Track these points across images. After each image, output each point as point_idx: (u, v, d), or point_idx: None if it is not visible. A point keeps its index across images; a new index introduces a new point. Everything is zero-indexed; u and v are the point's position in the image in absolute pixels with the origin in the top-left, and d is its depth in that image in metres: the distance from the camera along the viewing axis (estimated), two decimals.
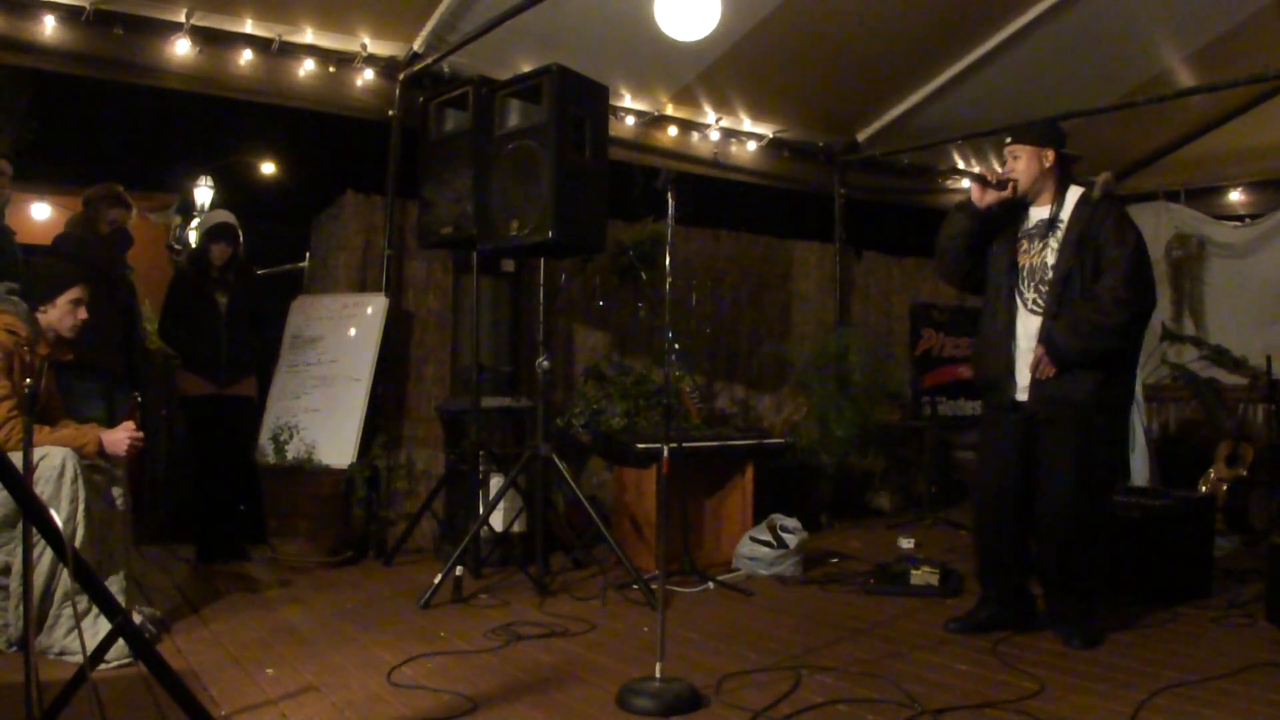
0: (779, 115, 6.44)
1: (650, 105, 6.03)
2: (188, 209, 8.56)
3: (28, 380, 2.45)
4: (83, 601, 2.93)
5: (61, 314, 3.51)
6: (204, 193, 8.56)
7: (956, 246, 3.56)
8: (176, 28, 4.67)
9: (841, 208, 7.05)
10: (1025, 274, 3.46)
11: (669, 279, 3.13)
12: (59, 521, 2.37)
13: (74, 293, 3.53)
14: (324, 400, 5.09)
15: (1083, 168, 7.34)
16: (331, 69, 5.14)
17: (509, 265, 5.21)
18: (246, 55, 4.89)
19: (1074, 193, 3.46)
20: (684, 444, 4.67)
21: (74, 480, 3.16)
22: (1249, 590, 4.11)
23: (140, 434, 3.44)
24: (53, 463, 3.14)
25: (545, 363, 4.41)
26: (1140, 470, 5.74)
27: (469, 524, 4.40)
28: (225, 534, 4.93)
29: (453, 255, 5.37)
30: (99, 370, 4.21)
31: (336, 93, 5.21)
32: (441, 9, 4.93)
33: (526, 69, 4.74)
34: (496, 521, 4.65)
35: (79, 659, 2.56)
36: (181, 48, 4.72)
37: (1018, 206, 3.51)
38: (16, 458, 2.22)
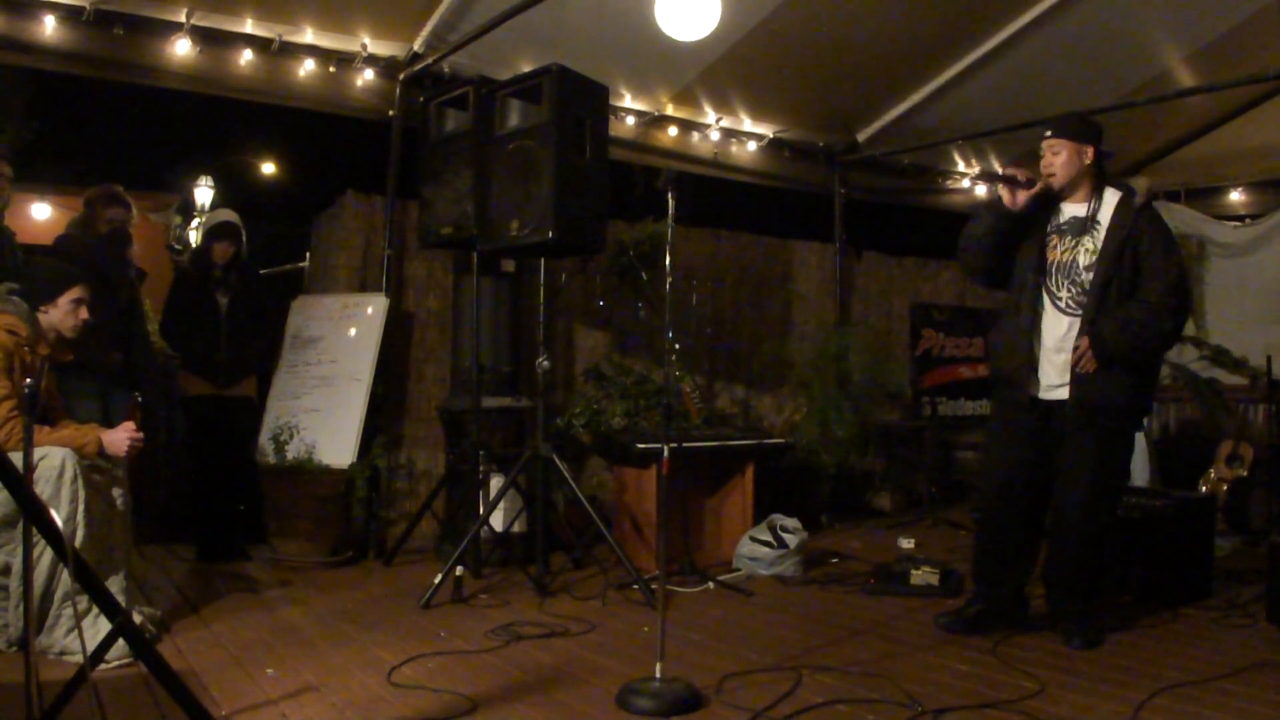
0: (779, 115, 6.44)
1: (650, 105, 6.03)
2: (188, 209, 8.57)
3: (28, 380, 2.44)
4: (83, 601, 2.93)
5: (63, 314, 3.51)
6: (204, 193, 8.57)
7: (985, 245, 3.48)
8: (176, 28, 4.66)
9: (841, 208, 7.05)
10: (1054, 270, 3.41)
11: (669, 279, 3.13)
12: (59, 521, 2.37)
13: (75, 293, 3.53)
14: (324, 400, 5.09)
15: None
16: (332, 69, 5.13)
17: (509, 265, 5.21)
18: (246, 55, 4.88)
19: (1112, 194, 3.40)
20: (684, 444, 4.67)
21: (74, 480, 3.16)
22: (1249, 590, 4.11)
23: (140, 434, 3.43)
24: (53, 463, 3.14)
25: (545, 363, 4.41)
26: (1140, 470, 5.74)
27: (469, 524, 4.40)
28: (225, 534, 4.93)
29: (453, 255, 5.37)
30: (95, 370, 4.20)
31: (337, 93, 5.20)
32: (441, 9, 4.93)
33: (527, 69, 4.74)
34: (497, 521, 4.65)
35: (79, 659, 2.56)
36: (181, 48, 4.72)
37: (1049, 203, 3.45)
38: (17, 458, 2.22)
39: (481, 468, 4.60)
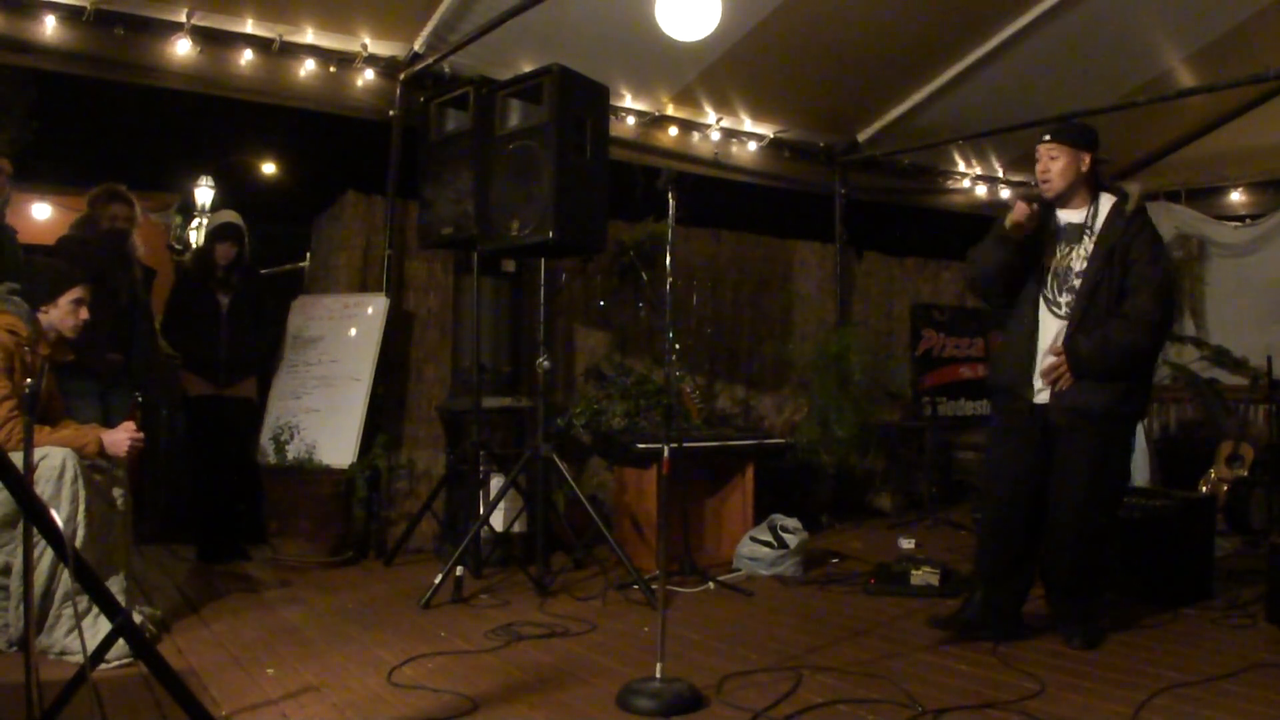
0: (779, 115, 6.44)
1: (651, 105, 6.03)
2: (188, 209, 8.57)
3: (28, 380, 2.45)
4: (83, 601, 2.93)
5: (63, 314, 3.51)
6: (204, 193, 8.57)
7: (1005, 274, 3.46)
8: (177, 28, 4.67)
9: (842, 208, 7.05)
10: (1051, 277, 3.42)
11: (669, 279, 3.13)
12: (59, 521, 2.37)
13: (75, 293, 3.53)
14: (324, 400, 5.09)
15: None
16: (332, 69, 5.13)
17: (509, 265, 5.21)
18: (247, 55, 4.89)
19: (1106, 201, 3.41)
20: (684, 444, 4.67)
21: (74, 480, 3.16)
22: (1249, 591, 4.11)
23: (141, 434, 3.44)
24: (53, 463, 3.15)
25: (545, 363, 4.41)
26: (1140, 470, 5.74)
27: (469, 524, 4.40)
28: (225, 534, 4.92)
29: (453, 255, 5.38)
30: (93, 371, 4.19)
31: (337, 93, 5.21)
32: (442, 9, 4.93)
33: (527, 69, 4.74)
34: (497, 521, 4.65)
35: (79, 659, 2.56)
36: (182, 48, 4.72)
37: (1048, 210, 3.45)
38: (17, 458, 2.22)
39: (481, 468, 4.60)
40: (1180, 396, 6.95)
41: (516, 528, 4.76)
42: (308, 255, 5.97)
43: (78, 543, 3.09)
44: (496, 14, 4.64)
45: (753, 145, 6.55)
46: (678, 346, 5.45)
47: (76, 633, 2.75)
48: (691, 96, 6.05)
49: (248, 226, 5.08)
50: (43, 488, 3.09)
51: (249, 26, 4.84)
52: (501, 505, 4.57)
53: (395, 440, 5.33)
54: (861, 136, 6.81)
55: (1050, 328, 3.41)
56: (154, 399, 5.16)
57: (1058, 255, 3.42)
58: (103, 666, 2.82)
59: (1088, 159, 3.39)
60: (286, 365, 5.26)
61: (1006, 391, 3.51)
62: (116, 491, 3.49)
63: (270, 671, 3.05)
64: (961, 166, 7.45)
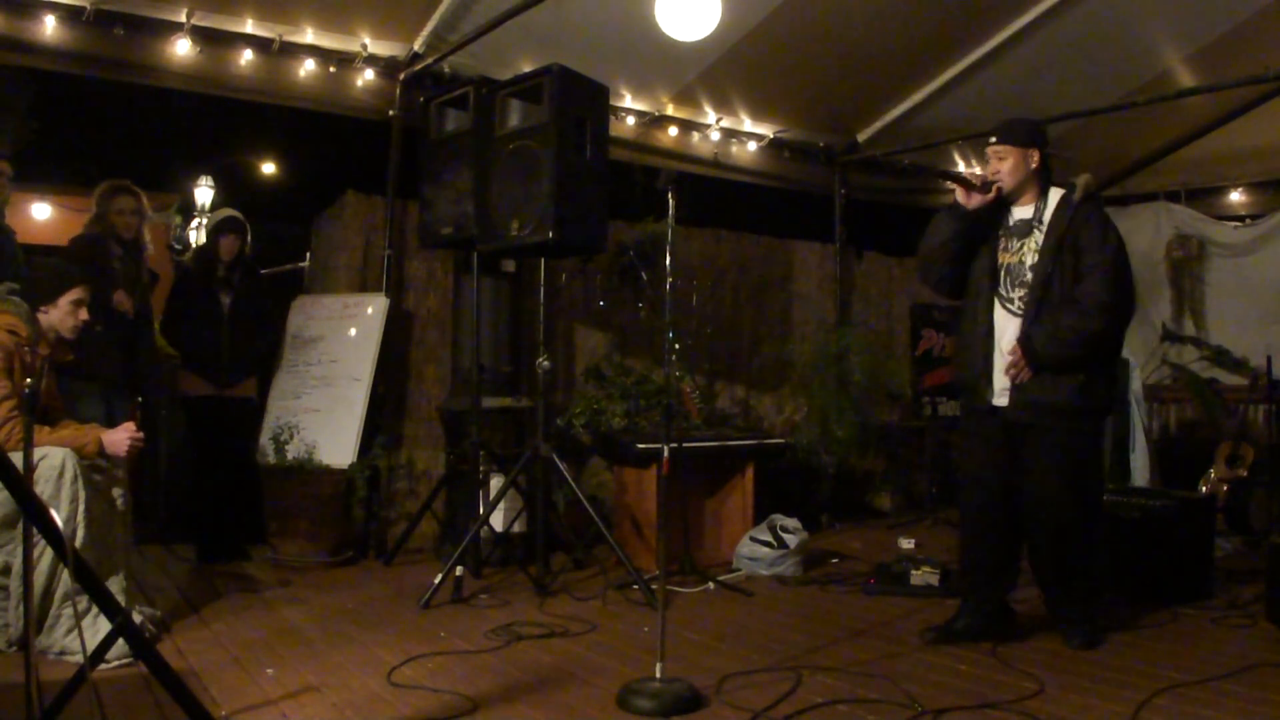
0: (779, 115, 6.44)
1: (650, 105, 6.03)
2: (188, 209, 8.56)
3: (28, 380, 2.45)
4: (83, 601, 2.93)
5: (63, 315, 3.51)
6: (204, 193, 8.55)
7: (946, 253, 3.50)
8: (177, 28, 4.67)
9: (841, 208, 7.05)
10: (1004, 274, 3.44)
11: (669, 279, 3.13)
12: (59, 521, 2.37)
13: (75, 294, 3.53)
14: (324, 400, 5.09)
15: (1075, 169, 7.37)
16: (332, 69, 5.13)
17: (509, 265, 5.21)
18: (247, 55, 4.89)
19: (1055, 194, 3.43)
20: (684, 444, 4.67)
21: (74, 480, 3.16)
22: (1249, 590, 4.11)
23: (141, 435, 3.43)
24: (53, 463, 3.14)
25: (545, 363, 4.41)
26: (1140, 470, 5.74)
27: (469, 524, 4.40)
28: (225, 534, 4.92)
29: (453, 255, 5.38)
30: (97, 377, 4.18)
31: (337, 93, 5.20)
32: (442, 9, 4.93)
33: (527, 69, 4.75)
34: (497, 521, 4.65)
35: (79, 659, 2.56)
36: (182, 48, 4.72)
37: (1000, 207, 3.49)
38: (17, 458, 2.22)
39: (481, 468, 4.60)
40: (1180, 396, 6.94)
41: (516, 528, 4.76)
42: (308, 255, 5.97)
43: (77, 543, 3.09)
44: (496, 14, 4.64)
45: (752, 145, 6.55)
46: (678, 346, 5.45)
47: (76, 633, 2.74)
48: (691, 96, 6.05)
49: (248, 226, 5.08)
50: (42, 488, 3.09)
51: (249, 26, 4.84)
52: (501, 505, 4.57)
53: (395, 440, 5.33)
54: (861, 136, 6.81)
55: (1008, 326, 3.41)
56: (154, 400, 5.15)
57: (1010, 253, 3.44)
58: (103, 666, 2.82)
59: (1036, 156, 3.42)
60: (286, 365, 5.26)
61: (968, 389, 3.53)
62: (116, 491, 3.49)
63: (270, 671, 3.05)
64: (961, 167, 7.44)
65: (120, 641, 2.35)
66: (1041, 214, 3.40)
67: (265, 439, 5.00)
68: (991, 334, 3.44)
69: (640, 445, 4.75)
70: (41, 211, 8.56)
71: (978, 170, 3.45)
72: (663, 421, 3.24)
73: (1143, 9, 5.41)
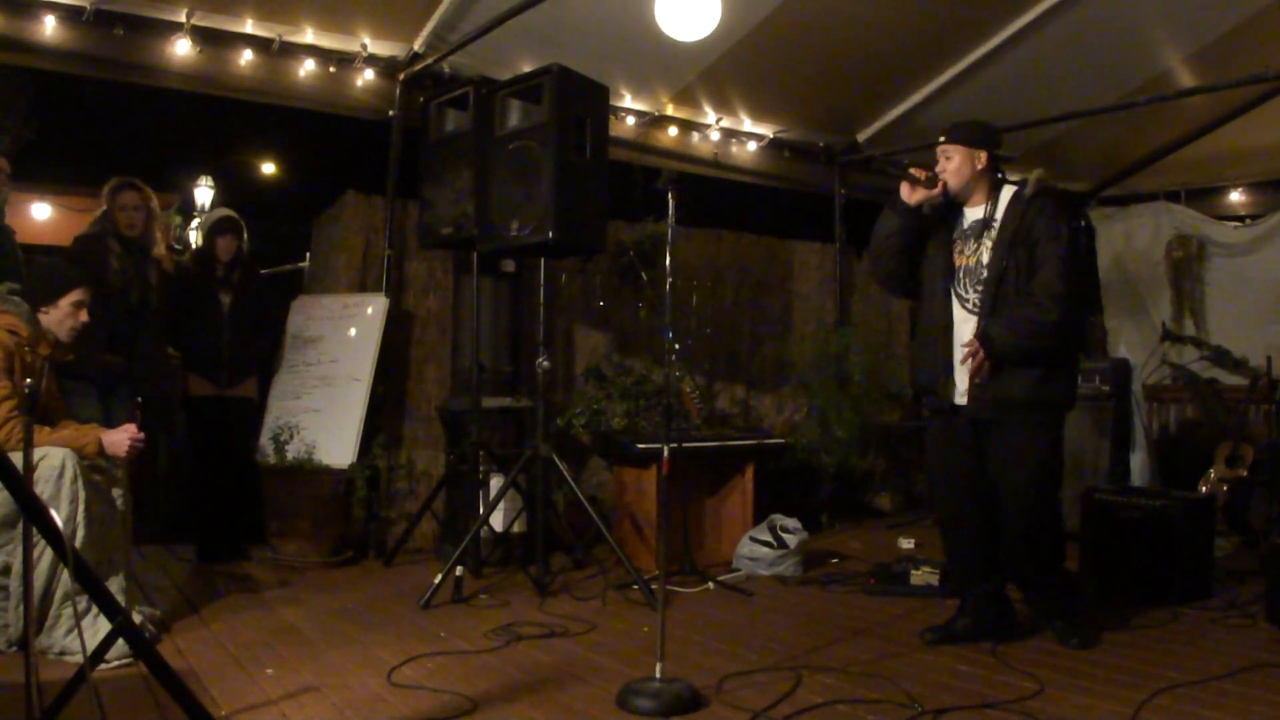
0: (779, 115, 6.43)
1: (650, 105, 6.03)
2: (188, 209, 8.58)
3: (28, 380, 2.45)
4: (82, 601, 2.93)
5: (63, 315, 3.50)
6: (204, 193, 8.58)
7: (890, 247, 3.52)
8: (177, 28, 4.66)
9: (841, 208, 7.05)
10: (962, 275, 3.44)
11: (669, 279, 3.13)
12: (59, 521, 2.37)
13: (76, 295, 3.52)
14: (324, 400, 5.09)
15: (1076, 169, 7.37)
16: (332, 69, 5.13)
17: (509, 265, 5.21)
18: (247, 55, 4.88)
19: (1007, 191, 3.43)
20: (684, 444, 4.67)
21: (74, 480, 3.16)
22: (1249, 590, 4.11)
23: (141, 435, 3.43)
24: (53, 463, 3.14)
25: (545, 363, 4.41)
26: (1140, 470, 5.74)
27: (469, 524, 4.40)
28: (225, 534, 4.92)
29: (453, 255, 5.38)
30: (87, 372, 4.15)
31: (337, 93, 5.20)
32: (442, 9, 4.92)
33: (527, 69, 4.74)
34: (496, 521, 4.65)
35: (79, 659, 2.56)
36: (181, 48, 4.72)
37: (950, 208, 3.49)
38: (17, 458, 2.22)
39: (481, 468, 4.60)
40: (1180, 396, 6.94)
41: (516, 528, 4.76)
42: (308, 255, 5.97)
43: (77, 543, 3.09)
44: (496, 14, 4.64)
45: (752, 145, 6.55)
46: (677, 346, 5.45)
47: (76, 633, 2.74)
48: (691, 96, 6.04)
49: (248, 227, 5.08)
50: (42, 488, 3.09)
51: (249, 26, 4.83)
52: (501, 505, 4.57)
53: (395, 440, 5.33)
54: (861, 136, 6.80)
55: (967, 325, 3.41)
56: (154, 400, 5.14)
57: (966, 255, 3.44)
58: (103, 666, 2.82)
59: (984, 156, 3.42)
60: (286, 365, 5.26)
61: (926, 390, 3.54)
62: (116, 491, 3.49)
63: (270, 672, 3.05)
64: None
65: (120, 641, 2.35)
66: (993, 213, 3.41)
67: (265, 439, 5.00)
68: (949, 333, 3.44)
69: (640, 445, 4.75)
70: (41, 211, 8.58)
71: (916, 173, 3.44)
72: (663, 421, 3.24)
73: (1143, 9, 5.41)
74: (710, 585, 4.36)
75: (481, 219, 4.29)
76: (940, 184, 3.43)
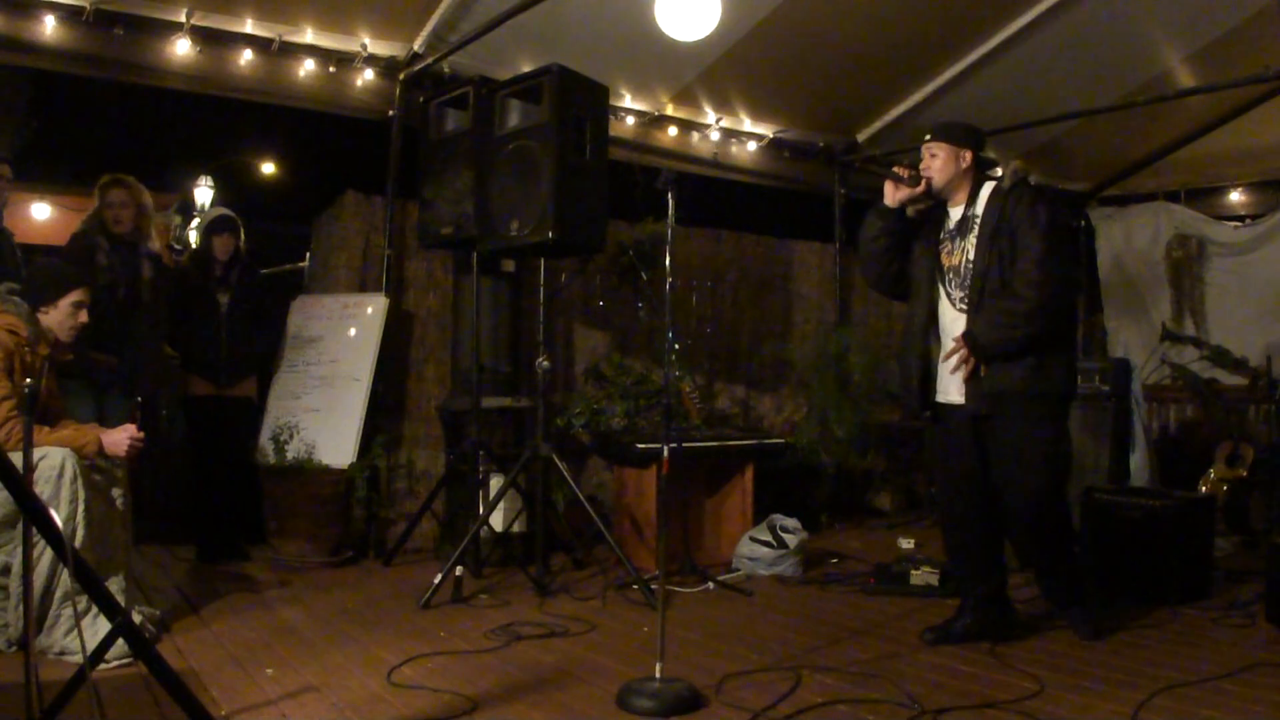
0: (779, 115, 6.43)
1: (650, 105, 6.03)
2: (188, 209, 8.58)
3: (28, 380, 2.45)
4: (82, 601, 2.93)
5: (62, 316, 3.50)
6: (204, 193, 8.58)
7: (876, 248, 3.53)
8: (176, 28, 4.66)
9: (841, 208, 7.05)
10: (949, 274, 3.45)
11: (669, 279, 3.13)
12: (59, 521, 2.37)
13: (75, 295, 3.53)
14: (324, 400, 5.09)
15: (1076, 169, 7.37)
16: (332, 69, 5.13)
17: (509, 265, 5.21)
18: (246, 55, 4.88)
19: (987, 187, 3.44)
20: (684, 444, 4.67)
21: (74, 480, 3.16)
22: (1249, 590, 4.10)
23: (141, 435, 3.43)
24: (53, 463, 3.14)
25: (545, 363, 4.41)
26: (1140, 470, 5.73)
27: (469, 524, 4.40)
28: (225, 534, 4.92)
29: (453, 255, 5.37)
30: (82, 370, 4.14)
31: (337, 93, 5.20)
32: (441, 9, 4.92)
33: (526, 69, 4.74)
34: (496, 521, 4.65)
35: (79, 659, 2.56)
36: (181, 48, 4.72)
37: (936, 208, 3.50)
38: (17, 458, 2.22)
39: (481, 468, 4.60)
40: (1180, 396, 6.94)
41: (516, 528, 4.76)
42: (307, 255, 5.97)
43: (77, 543, 3.09)
44: (496, 14, 4.64)
45: (752, 145, 6.54)
46: (677, 346, 5.45)
47: (76, 633, 2.74)
48: (691, 96, 6.04)
49: (247, 226, 5.08)
50: (42, 488, 3.09)
51: (248, 26, 4.83)
52: (501, 505, 4.57)
53: (395, 440, 5.33)
54: (861, 136, 6.80)
55: (954, 323, 3.41)
56: (152, 399, 5.13)
57: (953, 254, 3.45)
58: (102, 666, 2.82)
59: (968, 156, 3.43)
60: (286, 365, 5.26)
61: (909, 391, 3.54)
62: (116, 491, 3.49)
63: (270, 671, 3.05)
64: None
65: (120, 641, 2.35)
66: (973, 210, 3.42)
67: (265, 439, 5.00)
68: (935, 332, 3.46)
69: (640, 445, 4.75)
70: (41, 211, 8.58)
71: (899, 172, 3.45)
72: (662, 421, 3.24)
73: (1143, 9, 5.41)
74: (710, 585, 4.36)
75: (481, 219, 4.29)
76: (924, 181, 3.43)
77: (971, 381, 3.34)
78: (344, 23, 5.03)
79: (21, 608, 3.01)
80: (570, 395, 5.82)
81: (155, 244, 4.67)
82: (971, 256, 3.37)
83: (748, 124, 6.43)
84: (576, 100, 4.06)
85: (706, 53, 5.43)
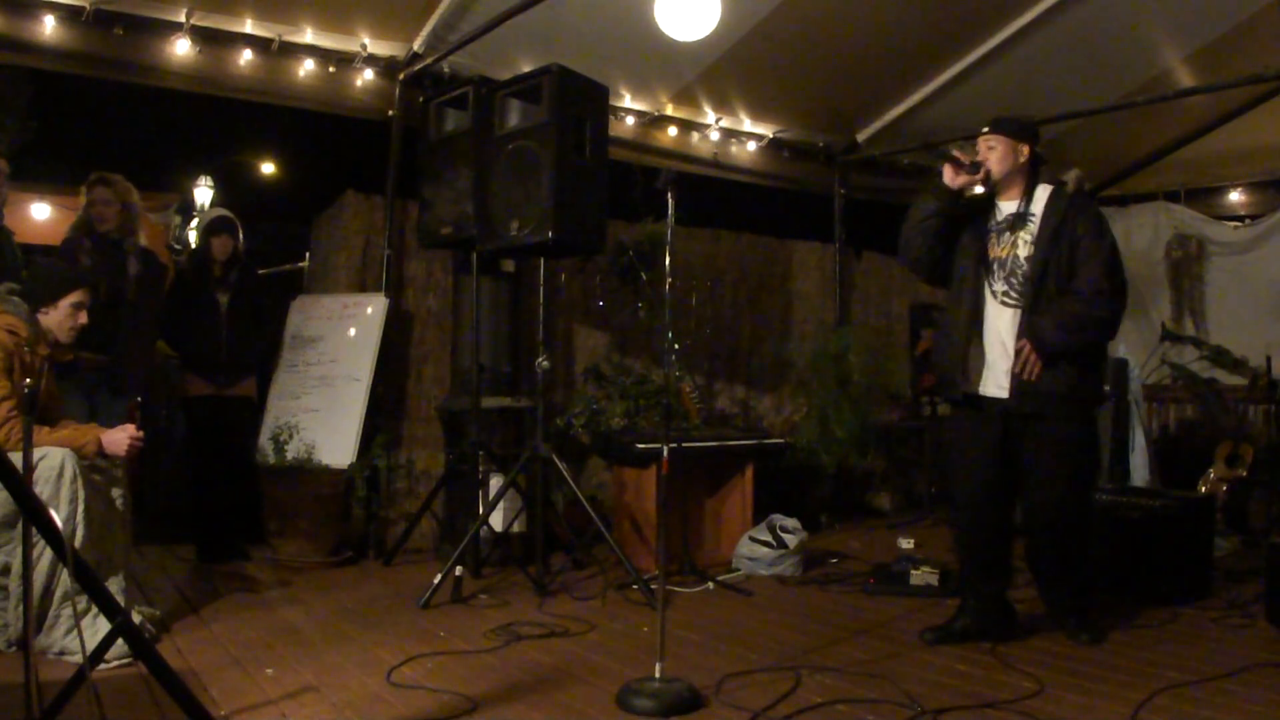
0: (779, 115, 6.44)
1: (650, 105, 6.03)
2: (188, 209, 8.58)
3: (28, 380, 2.45)
4: (82, 601, 2.93)
5: (62, 317, 3.50)
6: (204, 193, 8.58)
7: (927, 229, 3.51)
8: (176, 28, 4.66)
9: (841, 208, 7.05)
10: (995, 267, 3.45)
11: (669, 279, 3.13)
12: (59, 521, 2.37)
13: (75, 296, 3.53)
14: (324, 400, 5.09)
15: (1068, 168, 7.37)
16: (331, 69, 5.13)
17: (509, 265, 5.21)
18: (246, 55, 4.88)
19: (1044, 189, 3.46)
20: (684, 444, 4.67)
21: (73, 480, 3.16)
22: (1249, 590, 4.10)
23: (140, 435, 3.43)
24: (52, 463, 3.14)
25: (545, 363, 4.41)
26: (1140, 470, 5.74)
27: (469, 524, 4.40)
28: (225, 534, 4.92)
29: (453, 255, 5.37)
30: (74, 368, 4.12)
31: (336, 93, 5.20)
32: (441, 9, 4.92)
33: (526, 69, 4.74)
34: (496, 521, 4.65)
35: (79, 659, 2.56)
36: (181, 48, 4.72)
37: (985, 199, 3.51)
38: (16, 458, 2.22)
39: (481, 468, 4.60)
40: (1180, 396, 6.94)
41: (516, 528, 4.76)
42: (307, 255, 5.97)
43: (77, 543, 3.09)
44: (496, 14, 4.64)
45: (752, 145, 6.55)
46: (677, 346, 5.46)
47: (76, 633, 2.75)
48: (691, 96, 6.05)
49: (247, 226, 5.07)
50: (42, 488, 3.08)
51: (248, 26, 4.83)
52: (501, 505, 4.57)
53: (394, 440, 5.33)
54: (861, 136, 6.81)
55: (996, 316, 3.42)
56: (147, 397, 5.12)
57: (1001, 246, 3.45)
58: (102, 666, 2.82)
59: (1025, 150, 3.45)
60: (286, 365, 5.26)
61: (950, 383, 3.52)
62: (115, 491, 3.49)
63: (269, 671, 3.05)
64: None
65: (120, 641, 2.35)
66: (1030, 207, 3.43)
67: (265, 439, 5.00)
68: (977, 324, 3.45)
69: (640, 445, 4.75)
70: (41, 211, 8.57)
71: (961, 158, 3.46)
72: (662, 421, 3.24)
73: (1143, 9, 5.41)
74: (710, 585, 4.36)
75: (481, 219, 4.29)
76: (983, 171, 3.43)
77: (1020, 380, 3.34)
78: (344, 23, 5.03)
79: (21, 608, 3.01)
80: (570, 395, 5.82)
81: (143, 240, 4.62)
82: (1023, 253, 3.39)
83: (747, 124, 6.43)
84: (576, 100, 4.06)
85: (706, 53, 5.43)
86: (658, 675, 2.80)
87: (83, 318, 3.55)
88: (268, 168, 9.40)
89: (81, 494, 3.16)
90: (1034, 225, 3.40)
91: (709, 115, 6.26)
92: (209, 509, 4.91)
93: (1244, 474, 5.66)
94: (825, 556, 5.08)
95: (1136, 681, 2.99)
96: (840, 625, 3.73)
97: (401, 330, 5.46)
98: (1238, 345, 6.83)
